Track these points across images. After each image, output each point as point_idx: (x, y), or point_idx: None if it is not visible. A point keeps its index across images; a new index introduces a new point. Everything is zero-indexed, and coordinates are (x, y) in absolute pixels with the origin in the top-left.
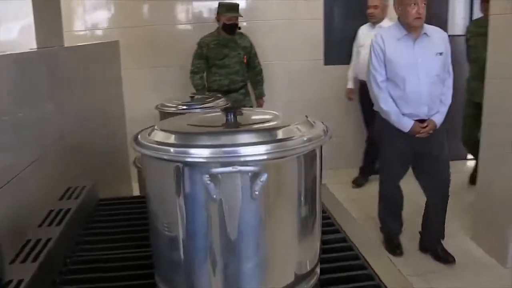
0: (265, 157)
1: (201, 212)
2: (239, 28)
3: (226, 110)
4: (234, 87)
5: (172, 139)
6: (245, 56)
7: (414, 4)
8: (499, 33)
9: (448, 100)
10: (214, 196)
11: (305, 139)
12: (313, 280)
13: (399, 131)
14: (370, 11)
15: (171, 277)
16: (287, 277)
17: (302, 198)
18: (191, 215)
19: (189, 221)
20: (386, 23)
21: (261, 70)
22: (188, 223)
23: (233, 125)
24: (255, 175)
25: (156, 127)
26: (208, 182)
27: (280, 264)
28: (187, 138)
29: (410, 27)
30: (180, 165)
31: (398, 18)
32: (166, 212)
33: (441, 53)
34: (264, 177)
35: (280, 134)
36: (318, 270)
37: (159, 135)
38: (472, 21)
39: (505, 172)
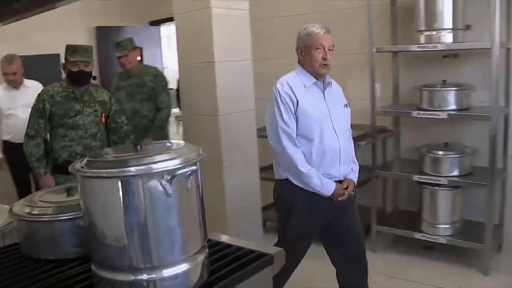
0: (194, 161)
1: (160, 203)
2: (94, 77)
3: (135, 144)
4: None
5: (134, 161)
6: (103, 115)
7: (320, 48)
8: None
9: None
10: (170, 192)
11: (198, 153)
12: (207, 250)
13: (314, 198)
14: (10, 78)
15: (119, 259)
16: (197, 245)
17: (201, 190)
18: (152, 206)
19: (147, 210)
20: (28, 83)
21: (127, 132)
22: (146, 212)
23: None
24: (190, 174)
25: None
26: (166, 183)
27: (195, 235)
28: (147, 159)
29: (316, 75)
30: (139, 177)
31: (299, 62)
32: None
33: (346, 105)
34: (194, 175)
35: (189, 150)
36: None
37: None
38: (115, 75)
39: (215, 185)
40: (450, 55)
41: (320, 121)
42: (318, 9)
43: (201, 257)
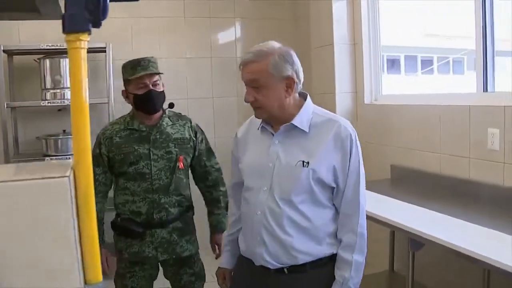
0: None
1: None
2: (171, 105)
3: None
4: (159, 217)
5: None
6: (180, 157)
7: (246, 85)
8: None
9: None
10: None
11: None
12: None
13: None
14: None
15: None
16: None
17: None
18: None
19: None
20: None
21: (219, 180)
22: None
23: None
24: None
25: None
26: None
27: None
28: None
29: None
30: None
31: None
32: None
33: (306, 163)
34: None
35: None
36: None
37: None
38: None
39: None
40: (64, 109)
41: (252, 176)
42: None
43: None
